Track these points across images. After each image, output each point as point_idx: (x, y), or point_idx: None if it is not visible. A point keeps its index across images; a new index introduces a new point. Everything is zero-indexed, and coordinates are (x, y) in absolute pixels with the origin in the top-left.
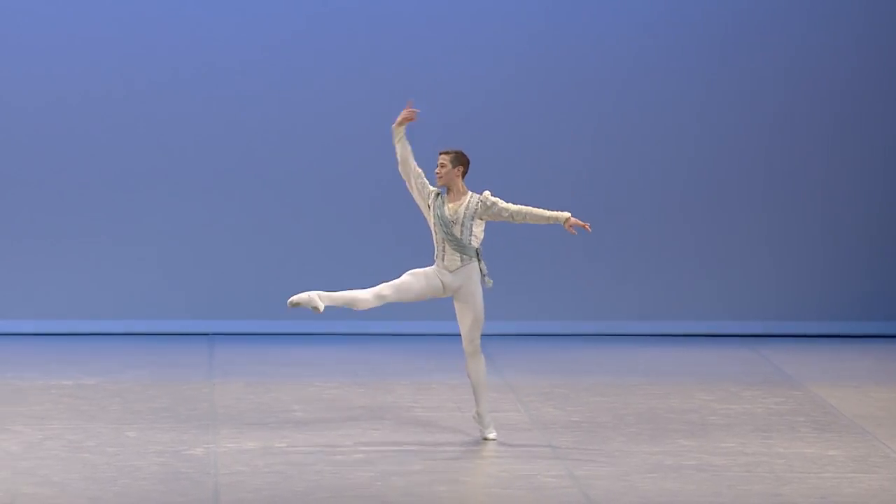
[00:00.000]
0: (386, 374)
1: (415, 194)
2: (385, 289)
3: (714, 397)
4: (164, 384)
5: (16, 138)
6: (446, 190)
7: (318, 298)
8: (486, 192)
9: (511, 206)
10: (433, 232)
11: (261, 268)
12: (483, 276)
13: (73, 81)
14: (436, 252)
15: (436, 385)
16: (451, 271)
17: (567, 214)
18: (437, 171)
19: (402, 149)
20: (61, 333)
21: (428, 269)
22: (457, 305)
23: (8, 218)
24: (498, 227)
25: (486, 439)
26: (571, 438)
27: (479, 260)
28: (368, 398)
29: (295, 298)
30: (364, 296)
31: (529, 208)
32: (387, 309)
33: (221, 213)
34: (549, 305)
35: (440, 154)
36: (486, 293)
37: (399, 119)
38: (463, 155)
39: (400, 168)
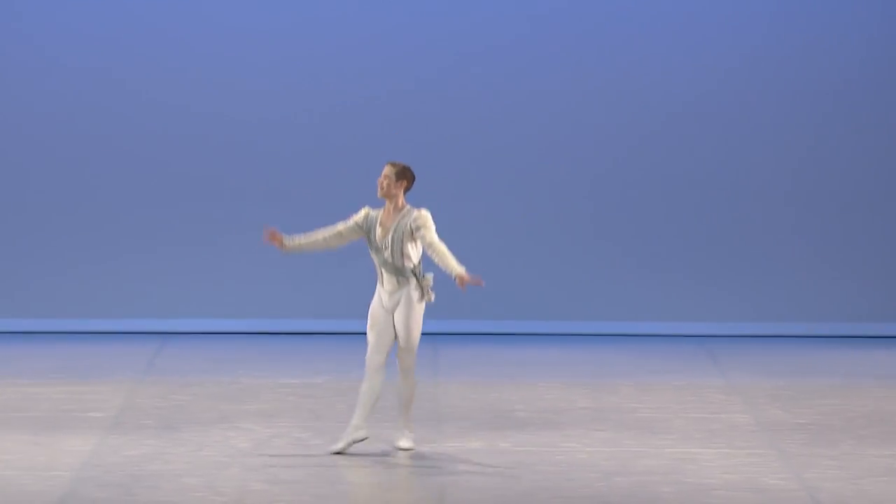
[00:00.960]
0: (610, 374)
1: (360, 236)
2: (374, 366)
3: None
4: (389, 383)
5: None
6: (384, 204)
7: (354, 432)
8: (423, 212)
9: (431, 238)
10: (371, 254)
11: (486, 267)
12: (423, 293)
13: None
14: (377, 274)
15: (659, 386)
16: (389, 294)
17: (461, 271)
18: (379, 180)
19: (315, 242)
20: (290, 332)
21: (371, 309)
22: (395, 323)
23: (234, 215)
24: (712, 223)
25: (400, 448)
26: (798, 441)
27: (417, 279)
28: (592, 398)
29: (336, 448)
30: (376, 386)
31: (442, 249)
32: (612, 309)
33: (455, 212)
34: (775, 307)
35: (387, 164)
36: (720, 291)
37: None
38: (409, 170)
39: (339, 243)
